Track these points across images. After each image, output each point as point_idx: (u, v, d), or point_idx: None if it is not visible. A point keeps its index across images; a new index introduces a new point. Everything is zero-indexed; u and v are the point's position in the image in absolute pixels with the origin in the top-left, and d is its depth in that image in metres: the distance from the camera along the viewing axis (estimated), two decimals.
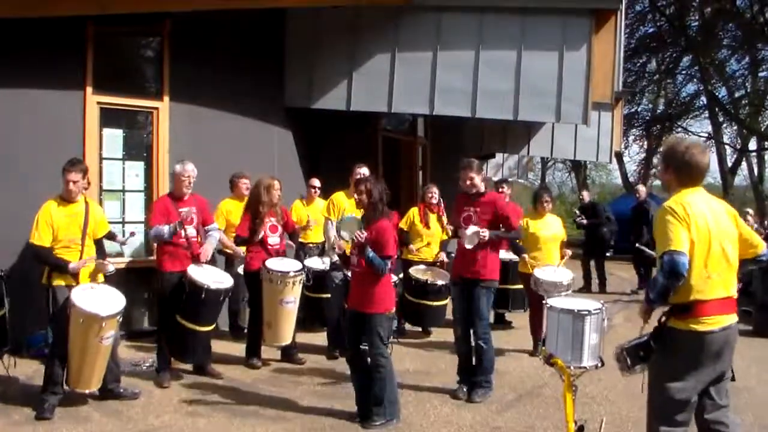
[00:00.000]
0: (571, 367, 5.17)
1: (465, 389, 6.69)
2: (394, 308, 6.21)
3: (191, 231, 7.12)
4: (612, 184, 45.51)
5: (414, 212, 9.42)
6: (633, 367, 4.08)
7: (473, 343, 6.73)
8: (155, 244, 7.47)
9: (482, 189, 6.83)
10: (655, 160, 35.24)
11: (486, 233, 6.51)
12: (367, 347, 5.95)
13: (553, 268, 8.24)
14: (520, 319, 9.56)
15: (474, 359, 6.79)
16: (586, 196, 15.42)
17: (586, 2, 9.66)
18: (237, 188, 8.85)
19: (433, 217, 9.32)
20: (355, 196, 6.10)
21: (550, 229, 8.60)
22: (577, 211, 14.65)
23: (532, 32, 9.53)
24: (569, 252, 8.69)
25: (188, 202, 7.15)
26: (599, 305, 5.37)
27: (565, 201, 45.78)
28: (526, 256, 8.27)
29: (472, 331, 6.72)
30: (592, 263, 14.12)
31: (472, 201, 6.80)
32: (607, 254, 15.12)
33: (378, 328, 5.84)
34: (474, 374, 6.73)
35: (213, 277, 7.01)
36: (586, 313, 5.28)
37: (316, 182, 9.79)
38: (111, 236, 6.96)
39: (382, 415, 5.87)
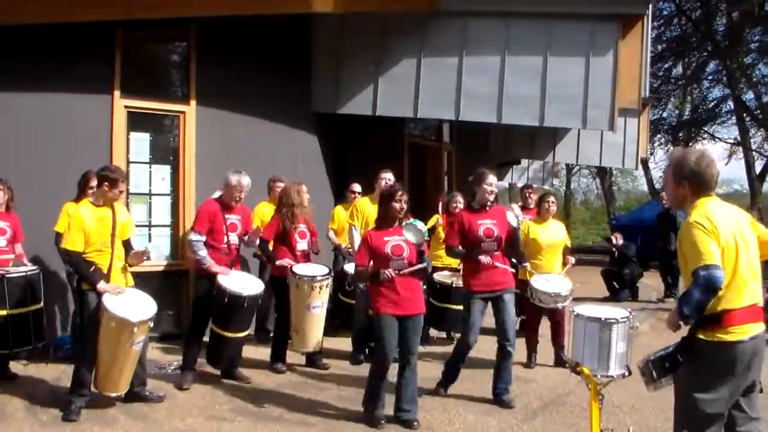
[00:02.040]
0: (598, 376, 5.13)
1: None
2: None
3: (234, 238, 7.14)
4: (638, 190, 45.17)
5: (436, 219, 9.37)
6: (659, 379, 4.01)
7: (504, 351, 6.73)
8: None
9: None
10: None
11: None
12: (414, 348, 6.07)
13: (554, 276, 8.19)
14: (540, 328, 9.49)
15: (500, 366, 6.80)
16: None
17: (613, 7, 9.61)
18: (273, 192, 8.86)
19: None
20: (397, 205, 6.04)
21: (552, 235, 8.39)
22: (614, 237, 14.47)
23: (558, 38, 9.49)
24: (573, 260, 8.58)
25: (236, 211, 7.22)
26: (626, 313, 5.33)
27: (591, 207, 45.59)
28: (528, 265, 8.16)
29: (504, 340, 6.69)
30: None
31: (486, 212, 6.76)
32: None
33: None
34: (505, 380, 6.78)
35: (240, 283, 7.01)
36: (614, 321, 5.24)
37: (357, 187, 9.69)
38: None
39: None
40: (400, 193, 6.07)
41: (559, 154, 16.64)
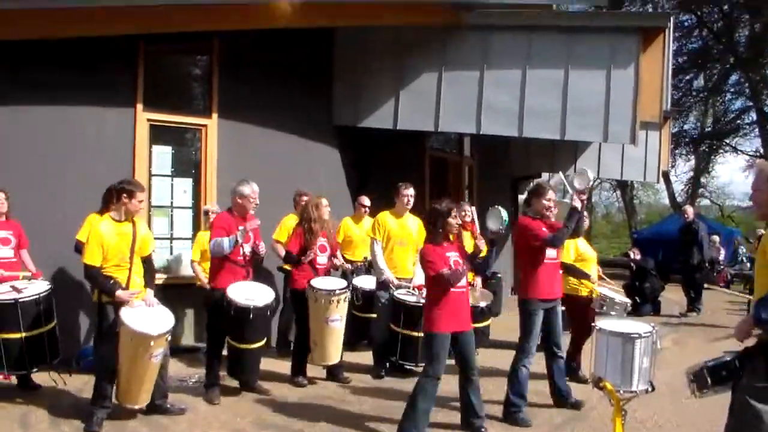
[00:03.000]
0: (621, 391, 5.10)
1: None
2: None
3: (248, 249, 7.16)
4: (659, 204, 44.97)
5: None
6: (713, 387, 3.96)
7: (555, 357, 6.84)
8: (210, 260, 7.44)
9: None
10: (703, 180, 34.83)
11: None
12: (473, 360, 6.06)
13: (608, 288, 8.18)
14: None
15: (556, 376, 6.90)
16: (689, 212, 14.44)
17: (634, 21, 9.59)
18: (298, 205, 8.90)
19: (467, 235, 9.21)
20: (453, 221, 6.01)
21: (590, 249, 8.43)
22: (631, 252, 14.40)
23: (579, 51, 9.47)
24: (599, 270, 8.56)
25: (248, 221, 7.18)
26: (650, 328, 5.30)
27: (612, 221, 45.40)
28: (594, 278, 8.19)
29: (557, 347, 6.78)
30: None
31: (544, 223, 6.78)
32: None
33: None
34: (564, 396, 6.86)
35: (247, 294, 6.96)
36: (637, 336, 5.21)
37: (366, 200, 9.73)
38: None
39: None
40: (455, 210, 6.07)
41: (581, 168, 16.54)
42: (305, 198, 8.73)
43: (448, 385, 6.22)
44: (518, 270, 7.24)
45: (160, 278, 7.69)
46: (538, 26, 9.82)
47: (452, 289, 5.84)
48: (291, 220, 8.85)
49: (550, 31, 9.76)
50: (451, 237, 6.09)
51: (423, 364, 7.81)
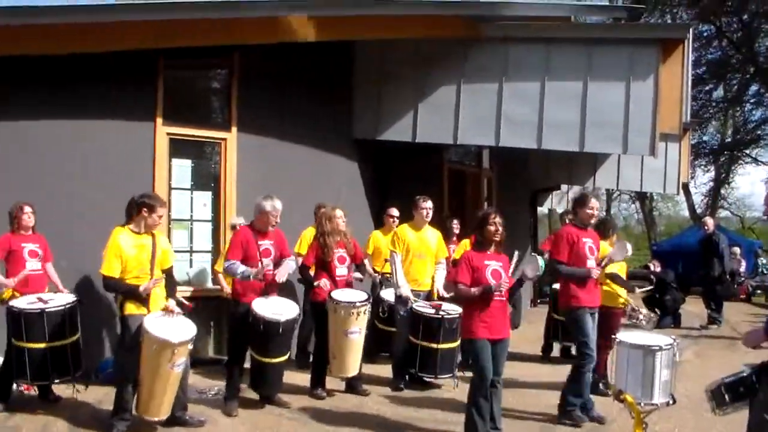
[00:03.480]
0: (642, 404, 5.09)
1: None
2: None
3: (268, 264, 7.18)
4: (679, 216, 44.70)
5: (466, 244, 9.36)
6: (732, 403, 3.93)
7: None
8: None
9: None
10: (723, 191, 34.60)
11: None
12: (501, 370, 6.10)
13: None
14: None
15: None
16: (710, 224, 14.28)
17: (653, 32, 9.57)
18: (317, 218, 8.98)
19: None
20: (492, 228, 6.05)
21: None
22: (651, 264, 14.31)
23: (598, 63, 9.47)
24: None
25: (269, 236, 7.18)
26: (670, 340, 5.29)
27: (631, 233, 45.15)
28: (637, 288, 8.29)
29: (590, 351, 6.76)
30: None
31: (587, 232, 6.92)
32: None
33: None
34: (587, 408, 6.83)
35: (274, 309, 6.99)
36: (657, 348, 5.20)
37: (394, 212, 9.69)
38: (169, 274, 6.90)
39: None
40: (493, 215, 6.12)
41: (600, 180, 16.51)
42: (323, 210, 8.81)
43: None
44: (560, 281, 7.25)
45: (179, 291, 7.74)
46: (557, 38, 9.84)
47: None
48: (311, 233, 8.90)
49: (568, 43, 9.78)
50: (493, 246, 6.11)
51: (443, 376, 7.87)
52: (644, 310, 8.14)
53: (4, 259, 7.19)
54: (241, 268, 6.90)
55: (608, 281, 7.72)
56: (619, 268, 8.14)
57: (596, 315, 6.84)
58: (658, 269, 13.95)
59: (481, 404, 5.90)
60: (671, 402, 5.16)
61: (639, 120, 9.23)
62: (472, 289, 5.86)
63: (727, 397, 3.90)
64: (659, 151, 10.36)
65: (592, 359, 6.63)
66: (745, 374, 3.87)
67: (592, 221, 6.93)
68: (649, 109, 9.20)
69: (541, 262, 6.14)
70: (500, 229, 6.07)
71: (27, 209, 7.24)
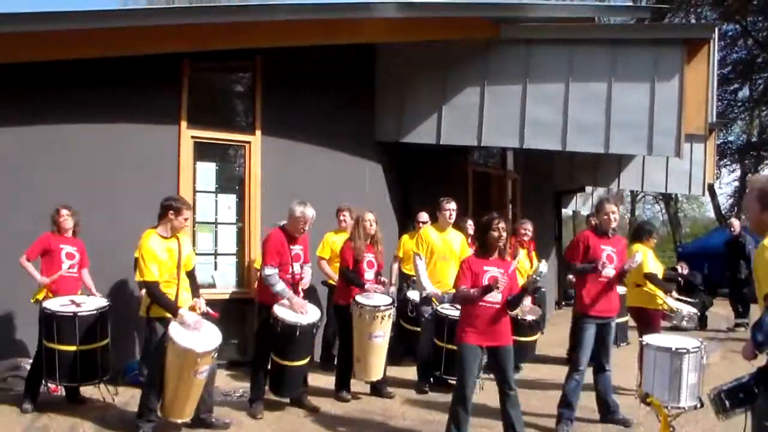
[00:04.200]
0: (669, 407, 5.05)
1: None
2: None
3: (298, 268, 7.19)
4: (704, 217, 44.31)
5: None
6: (732, 410, 3.91)
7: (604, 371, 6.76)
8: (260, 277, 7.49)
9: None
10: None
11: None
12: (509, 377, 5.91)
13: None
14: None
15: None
16: (736, 225, 14.13)
17: (678, 32, 9.50)
18: (337, 221, 9.02)
19: (523, 253, 9.17)
20: (495, 233, 5.98)
21: (655, 265, 8.32)
22: (679, 266, 14.18)
23: (622, 64, 9.42)
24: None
25: (299, 241, 7.23)
26: (698, 343, 5.25)
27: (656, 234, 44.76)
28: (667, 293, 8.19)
29: (607, 362, 6.70)
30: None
31: (609, 239, 6.80)
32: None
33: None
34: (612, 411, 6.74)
35: (294, 312, 7.00)
36: (684, 351, 5.16)
37: (424, 216, 9.64)
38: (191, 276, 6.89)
39: None
40: (496, 221, 6.00)
41: (624, 181, 16.41)
42: (344, 213, 8.82)
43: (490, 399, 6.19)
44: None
45: (204, 294, 7.77)
46: (581, 39, 9.79)
47: (480, 303, 5.78)
48: (333, 237, 8.92)
49: (592, 44, 9.73)
50: (498, 252, 6.02)
51: None
52: (685, 310, 8.07)
53: (40, 258, 7.27)
54: (280, 286, 6.93)
55: (647, 282, 7.69)
56: (657, 270, 8.15)
57: (610, 325, 6.70)
58: (686, 271, 13.83)
59: (457, 412, 5.77)
60: (699, 405, 5.11)
61: (664, 121, 9.17)
62: (472, 290, 5.76)
63: (727, 403, 3.87)
64: (684, 152, 10.28)
65: (577, 372, 6.54)
66: (744, 380, 3.83)
67: (613, 226, 6.77)
68: (674, 110, 9.13)
69: (544, 267, 6.05)
70: (504, 234, 5.98)
71: (63, 212, 7.32)
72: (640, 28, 10.79)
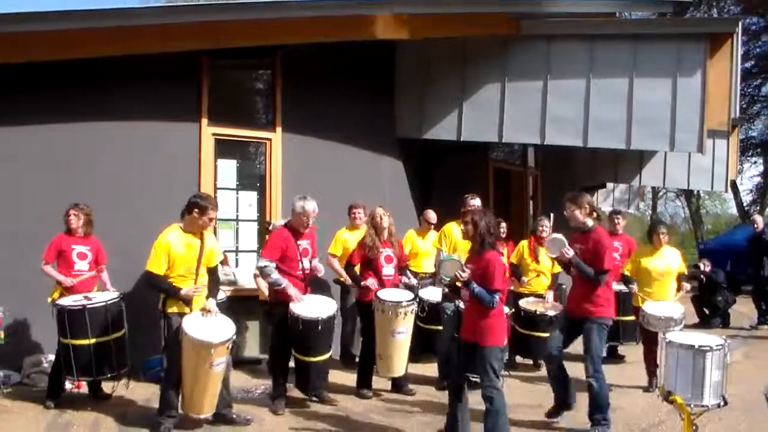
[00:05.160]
0: (692, 405, 5.01)
1: None
2: (506, 341, 6.03)
3: (307, 264, 7.18)
4: (727, 213, 43.97)
5: (524, 245, 9.32)
6: None
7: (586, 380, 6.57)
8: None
9: (587, 224, 6.64)
10: None
11: (570, 252, 6.37)
12: (477, 379, 5.86)
13: (666, 303, 8.01)
14: (632, 352, 9.28)
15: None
16: (759, 222, 13.84)
17: (700, 26, 9.43)
18: (350, 218, 9.00)
19: (543, 251, 9.11)
20: (461, 226, 6.04)
21: (664, 261, 8.22)
22: (702, 264, 14.07)
23: (644, 59, 9.36)
24: (688, 286, 8.41)
25: (306, 236, 7.20)
26: (721, 341, 5.20)
27: (678, 232, 44.59)
28: (634, 287, 8.15)
29: (584, 368, 6.51)
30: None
31: (579, 236, 6.66)
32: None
33: (491, 361, 5.67)
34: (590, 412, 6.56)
35: (312, 308, 6.98)
36: (708, 349, 5.12)
37: (432, 218, 9.51)
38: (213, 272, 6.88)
39: None
40: (467, 218, 5.96)
41: (646, 177, 16.28)
42: (356, 210, 8.79)
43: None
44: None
45: (224, 290, 7.76)
46: (602, 35, 9.74)
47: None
48: (344, 233, 8.90)
49: (613, 39, 9.68)
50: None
51: None
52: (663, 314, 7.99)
53: (56, 260, 7.28)
54: (275, 275, 6.92)
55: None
56: (679, 267, 8.12)
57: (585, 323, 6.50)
58: (708, 269, 13.73)
59: (451, 399, 5.94)
60: (723, 404, 5.07)
61: (686, 116, 9.10)
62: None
63: None
64: (707, 148, 10.19)
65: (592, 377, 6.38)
66: None
67: (572, 224, 6.68)
68: (697, 106, 9.07)
69: (456, 256, 6.01)
70: (470, 229, 5.90)
71: (71, 211, 7.32)
72: (662, 23, 10.68)
